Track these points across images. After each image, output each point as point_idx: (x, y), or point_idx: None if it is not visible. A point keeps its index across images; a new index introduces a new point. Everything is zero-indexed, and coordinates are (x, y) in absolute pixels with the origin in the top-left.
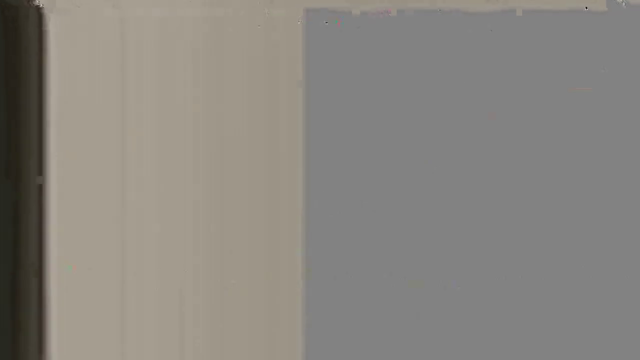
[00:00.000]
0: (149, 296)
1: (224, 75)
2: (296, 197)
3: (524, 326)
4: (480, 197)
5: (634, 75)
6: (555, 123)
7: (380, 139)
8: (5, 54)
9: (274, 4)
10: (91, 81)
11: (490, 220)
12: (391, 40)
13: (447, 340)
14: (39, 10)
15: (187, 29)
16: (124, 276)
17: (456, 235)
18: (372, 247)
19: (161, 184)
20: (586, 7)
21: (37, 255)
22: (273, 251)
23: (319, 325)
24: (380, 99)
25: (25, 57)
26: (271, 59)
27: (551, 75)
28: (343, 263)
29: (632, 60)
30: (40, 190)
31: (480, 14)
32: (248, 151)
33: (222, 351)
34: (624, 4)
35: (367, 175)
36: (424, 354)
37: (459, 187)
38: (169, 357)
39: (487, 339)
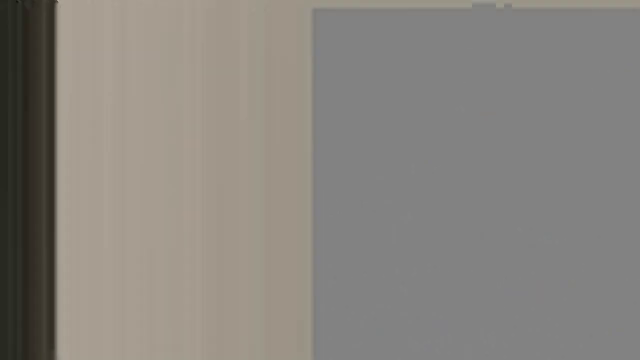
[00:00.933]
0: (155, 295)
1: (228, 69)
2: (305, 195)
3: (525, 325)
4: (482, 197)
5: (634, 76)
6: (554, 122)
7: (386, 138)
8: (21, 44)
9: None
10: (96, 69)
11: (493, 219)
12: (398, 39)
13: (450, 338)
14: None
15: (193, 20)
16: (129, 274)
17: (458, 234)
18: (379, 246)
19: (166, 180)
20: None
21: (48, 252)
22: (281, 250)
23: (328, 324)
24: (386, 97)
25: (35, 47)
26: (279, 54)
27: (552, 74)
28: (350, 262)
29: (632, 61)
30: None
31: (481, 14)
32: (255, 147)
33: (222, 350)
34: None
35: (374, 173)
36: (426, 352)
37: (463, 187)
38: (174, 352)
39: (488, 337)
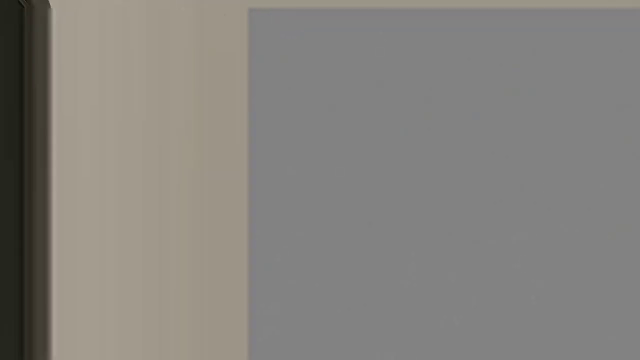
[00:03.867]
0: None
1: (168, 71)
2: (241, 197)
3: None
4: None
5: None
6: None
7: (321, 137)
8: (15, 49)
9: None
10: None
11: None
12: (333, 37)
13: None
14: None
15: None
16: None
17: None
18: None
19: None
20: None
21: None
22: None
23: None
24: (322, 95)
25: (31, 51)
26: (216, 55)
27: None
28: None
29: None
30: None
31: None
32: (192, 148)
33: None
34: None
35: (311, 174)
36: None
37: (395, 188)
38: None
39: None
